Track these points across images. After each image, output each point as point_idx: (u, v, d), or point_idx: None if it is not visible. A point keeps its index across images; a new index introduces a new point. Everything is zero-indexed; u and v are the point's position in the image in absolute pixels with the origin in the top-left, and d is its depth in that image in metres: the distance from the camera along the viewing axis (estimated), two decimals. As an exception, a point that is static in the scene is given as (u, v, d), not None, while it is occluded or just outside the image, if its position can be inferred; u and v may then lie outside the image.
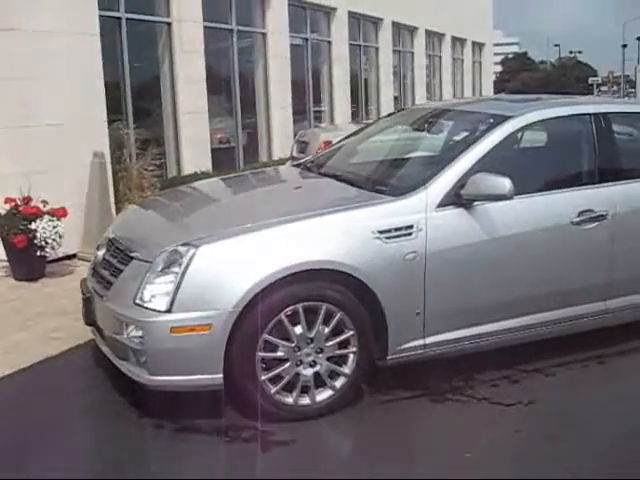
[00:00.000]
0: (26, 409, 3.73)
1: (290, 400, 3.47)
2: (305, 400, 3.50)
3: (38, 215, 5.94)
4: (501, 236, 3.75)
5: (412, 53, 18.02)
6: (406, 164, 4.40)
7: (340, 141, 5.12)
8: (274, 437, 3.35)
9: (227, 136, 11.17)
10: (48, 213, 6.02)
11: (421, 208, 3.61)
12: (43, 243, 5.88)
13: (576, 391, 3.90)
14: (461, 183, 3.68)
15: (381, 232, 3.49)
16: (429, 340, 3.69)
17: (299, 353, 3.44)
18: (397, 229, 3.53)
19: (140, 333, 3.33)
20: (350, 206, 3.61)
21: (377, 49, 15.86)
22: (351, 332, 3.49)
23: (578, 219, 3.93)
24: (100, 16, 7.71)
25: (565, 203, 3.97)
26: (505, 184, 3.57)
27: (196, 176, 8.67)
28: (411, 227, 3.56)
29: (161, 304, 3.29)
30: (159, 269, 3.37)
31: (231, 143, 11.23)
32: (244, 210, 3.87)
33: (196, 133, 9.66)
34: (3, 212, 6.03)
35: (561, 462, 3.16)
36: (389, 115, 5.58)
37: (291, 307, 3.36)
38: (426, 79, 18.82)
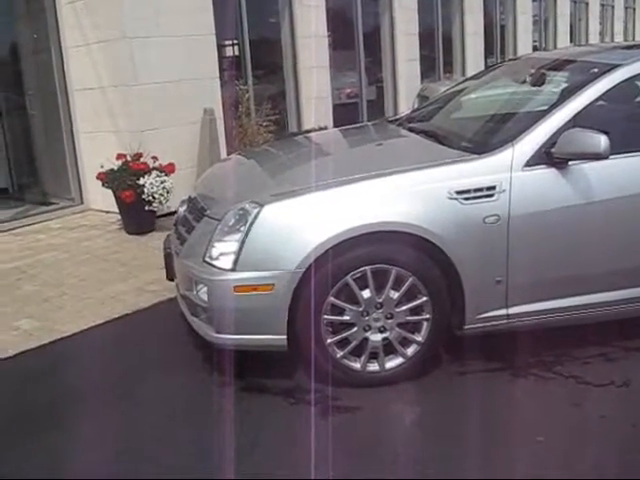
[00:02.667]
0: (101, 360, 3.88)
1: (358, 365, 3.36)
2: (374, 366, 3.38)
3: (146, 171, 6.12)
4: (597, 200, 3.37)
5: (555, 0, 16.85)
6: (498, 119, 4.04)
7: (439, 96, 4.84)
8: (338, 402, 3.26)
9: (350, 91, 10.99)
10: (156, 169, 6.19)
11: (506, 167, 3.32)
12: (151, 198, 6.06)
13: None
14: (554, 140, 3.34)
15: (459, 192, 3.25)
16: (512, 310, 3.42)
17: (367, 318, 3.30)
18: (477, 190, 3.26)
19: (206, 290, 3.32)
20: (426, 165, 3.37)
21: (515, -4, 14.95)
22: (424, 298, 3.30)
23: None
24: (217, -29, 7.77)
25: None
26: (600, 141, 3.18)
27: (314, 131, 8.60)
28: (493, 188, 3.28)
29: (226, 262, 3.25)
30: (227, 227, 3.33)
31: (355, 98, 11.04)
32: (319, 167, 3.72)
33: (317, 88, 9.54)
34: (116, 168, 6.26)
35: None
36: (494, 66, 5.20)
37: (358, 270, 3.21)
38: (570, 28, 17.54)
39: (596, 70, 3.65)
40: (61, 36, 7.13)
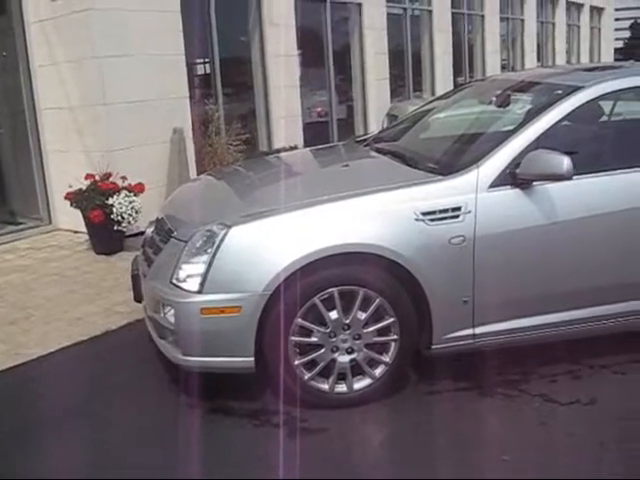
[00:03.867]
0: (69, 382, 3.84)
1: (326, 387, 3.35)
2: (342, 387, 3.37)
3: (115, 190, 6.09)
4: (561, 220, 3.42)
5: (522, 20, 17.14)
6: (464, 140, 4.10)
7: (406, 116, 4.88)
8: (305, 424, 3.25)
9: (320, 110, 11.05)
10: (125, 188, 6.16)
11: (471, 188, 3.35)
12: (119, 218, 6.02)
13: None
14: (518, 161, 3.38)
15: (424, 214, 3.27)
16: (479, 330, 3.45)
17: (335, 339, 3.30)
18: (442, 211, 3.30)
19: (173, 313, 3.30)
20: (392, 186, 3.40)
21: (483, 17, 15.17)
22: (392, 319, 3.31)
23: (653, 202, 3.54)
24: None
25: (636, 184, 3.58)
26: (563, 162, 3.24)
27: (284, 151, 8.62)
28: (459, 209, 3.31)
29: (193, 284, 3.24)
30: (194, 249, 3.32)
31: (325, 117, 11.11)
32: (286, 189, 3.74)
33: (287, 107, 9.58)
34: (84, 188, 6.22)
35: (610, 474, 2.86)
36: (460, 87, 5.27)
37: (326, 291, 3.22)
38: (537, 47, 17.86)
39: (559, 92, 3.72)
40: (29, 55, 7.09)
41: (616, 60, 29.12)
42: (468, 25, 14.88)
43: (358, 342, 3.33)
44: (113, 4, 6.45)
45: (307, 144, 9.61)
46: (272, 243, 3.21)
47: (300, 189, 3.70)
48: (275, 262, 3.15)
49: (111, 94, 6.54)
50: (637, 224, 3.56)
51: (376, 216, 3.28)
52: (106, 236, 6.13)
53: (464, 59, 14.77)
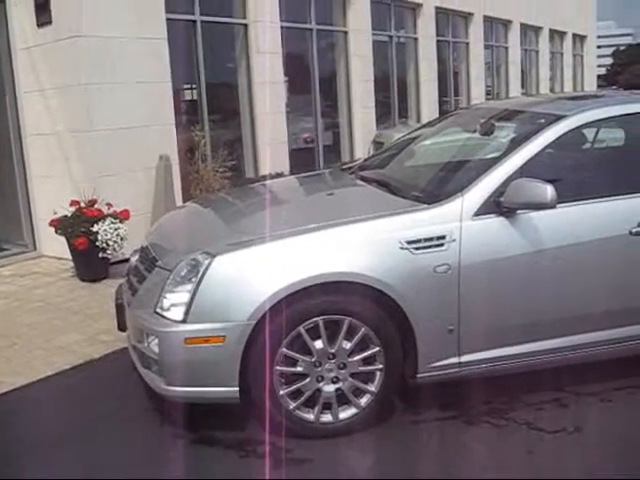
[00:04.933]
0: (49, 412, 3.79)
1: (311, 417, 3.33)
2: (328, 417, 3.35)
3: (100, 217, 6.06)
4: (546, 248, 3.44)
5: (506, 48, 17.35)
6: (449, 169, 4.14)
7: (392, 144, 4.91)
8: (290, 454, 3.22)
9: (307, 136, 11.10)
10: (111, 215, 6.13)
11: (455, 217, 3.37)
12: (104, 245, 5.99)
13: (632, 419, 3.54)
14: (502, 190, 3.41)
15: (409, 242, 3.28)
16: (465, 358, 3.44)
17: (320, 369, 3.28)
18: (427, 239, 3.30)
19: (157, 342, 3.27)
20: (377, 215, 3.41)
21: (467, 44, 15.36)
22: (377, 348, 3.30)
23: (638, 229, 3.57)
24: (175, 20, 7.87)
25: (623, 211, 3.61)
26: (546, 191, 3.27)
27: (270, 177, 8.63)
28: (443, 237, 3.32)
29: (177, 314, 3.22)
30: (178, 278, 3.30)
31: (312, 143, 11.15)
32: (271, 218, 3.73)
33: (273, 134, 9.61)
34: (69, 214, 6.19)
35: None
36: (445, 115, 5.31)
37: (310, 320, 3.20)
38: (521, 74, 18.08)
39: (542, 121, 3.76)
40: (16, 81, 7.08)
41: (599, 87, 29.57)
42: (453, 52, 15.03)
43: (343, 371, 3.31)
44: (99, 32, 6.48)
45: (293, 170, 9.64)
46: (256, 272, 3.20)
47: (285, 218, 3.70)
48: (259, 291, 3.13)
49: (97, 121, 6.55)
50: (621, 251, 3.59)
51: (361, 245, 3.28)
52: (91, 263, 6.09)
53: (449, 86, 14.91)
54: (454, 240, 3.33)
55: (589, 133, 4.16)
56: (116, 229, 6.04)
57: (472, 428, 3.45)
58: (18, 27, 6.92)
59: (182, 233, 4.02)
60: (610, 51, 68.45)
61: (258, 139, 9.52)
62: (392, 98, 12.96)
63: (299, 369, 3.27)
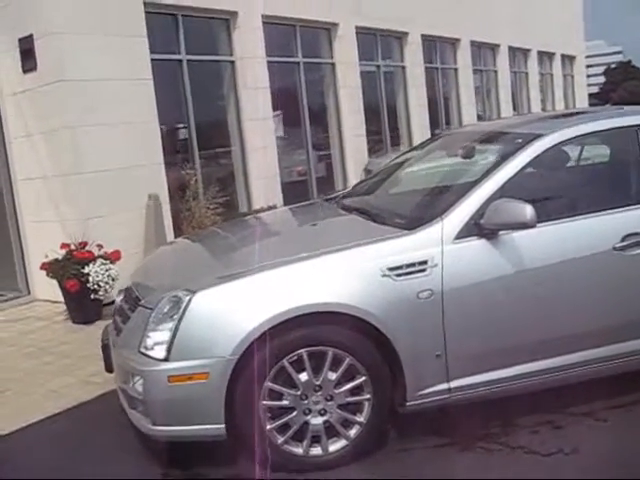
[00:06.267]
0: (38, 456, 3.77)
1: (300, 450, 3.28)
2: (317, 450, 3.30)
3: (91, 259, 6.05)
4: (530, 268, 3.42)
5: (495, 71, 17.48)
6: (429, 194, 4.14)
7: (374, 173, 4.92)
8: (281, 489, 3.17)
9: (299, 169, 11.14)
10: (101, 257, 6.13)
11: (436, 241, 3.35)
12: (96, 287, 5.98)
13: (629, 439, 3.46)
14: (482, 211, 3.40)
15: (391, 269, 3.26)
16: (454, 384, 3.40)
17: (306, 401, 3.25)
18: (409, 265, 3.28)
19: (142, 382, 3.24)
20: (357, 243, 3.39)
21: (456, 70, 15.47)
22: (363, 378, 3.26)
23: (621, 244, 3.55)
24: (161, 60, 7.94)
25: (606, 227, 3.59)
26: (526, 211, 3.25)
27: (262, 211, 8.64)
28: (425, 262, 3.30)
29: (160, 352, 3.19)
30: (160, 315, 3.28)
31: (304, 176, 11.19)
32: (254, 251, 3.72)
33: (265, 168, 9.66)
34: (60, 258, 6.19)
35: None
36: (428, 141, 5.33)
37: (294, 353, 3.17)
38: (512, 97, 18.19)
39: (520, 141, 3.76)
40: (4, 127, 7.14)
41: (592, 105, 29.71)
42: (442, 78, 15.14)
43: (330, 403, 3.27)
44: (82, 75, 6.54)
45: (287, 203, 9.64)
46: (237, 307, 3.18)
47: (268, 250, 3.67)
48: (241, 326, 3.11)
49: (84, 163, 6.58)
50: (606, 268, 3.57)
51: (342, 274, 3.26)
52: (83, 305, 6.07)
53: (440, 112, 14.99)
54: (436, 265, 3.30)
55: (572, 150, 4.16)
56: (107, 270, 6.03)
57: (465, 455, 3.38)
58: (5, 74, 7.00)
59: (166, 270, 4.01)
60: (602, 70, 69.09)
61: (250, 174, 9.57)
62: (383, 126, 13.04)
63: (285, 403, 3.23)
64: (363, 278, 3.25)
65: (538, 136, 3.68)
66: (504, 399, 3.59)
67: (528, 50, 19.21)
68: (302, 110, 10.90)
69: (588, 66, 37.35)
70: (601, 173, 4.04)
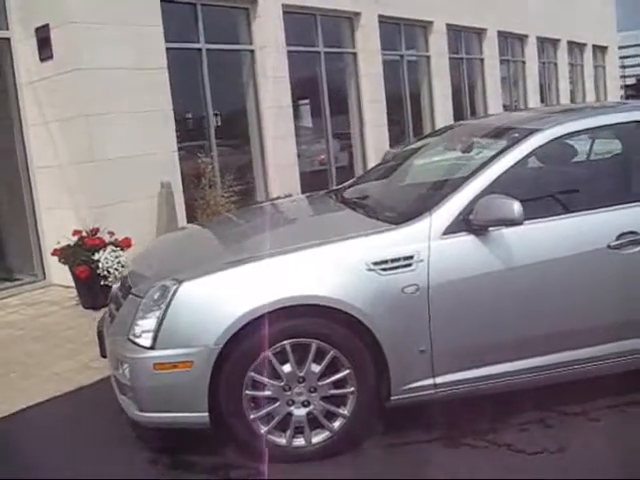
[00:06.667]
0: (31, 437, 3.86)
1: (283, 441, 3.31)
2: (300, 441, 3.33)
3: (101, 246, 6.14)
4: (519, 265, 3.39)
5: (523, 62, 17.25)
6: (421, 188, 4.12)
7: (377, 165, 4.92)
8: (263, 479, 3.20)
9: (320, 158, 11.13)
10: (112, 243, 6.21)
11: (423, 236, 3.34)
12: (105, 273, 6.07)
13: (619, 439, 3.43)
14: (471, 207, 3.38)
15: (376, 264, 3.26)
16: (440, 380, 3.39)
17: (289, 392, 3.27)
18: (394, 260, 3.28)
19: (129, 369, 3.30)
20: (344, 237, 3.39)
21: (482, 60, 15.29)
22: (347, 371, 3.27)
23: (617, 242, 3.50)
24: (180, 49, 8.01)
25: (600, 225, 3.55)
26: (513, 207, 3.23)
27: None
28: (411, 257, 3.29)
29: (146, 340, 3.24)
30: (149, 304, 3.33)
31: (324, 165, 11.18)
32: (241, 243, 3.76)
33: (283, 157, 9.67)
34: (71, 244, 6.29)
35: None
36: (433, 133, 5.30)
37: (278, 344, 3.20)
38: (540, 88, 17.93)
39: (517, 135, 3.72)
40: (22, 115, 7.26)
41: (629, 97, 29.07)
42: (467, 69, 14.98)
43: (314, 395, 3.29)
44: (99, 64, 6.63)
45: (306, 192, 9.63)
46: (222, 297, 3.21)
47: (258, 242, 3.70)
48: (225, 316, 3.15)
49: (99, 151, 6.67)
50: (600, 266, 3.53)
51: (327, 267, 3.28)
52: (93, 291, 6.17)
53: (465, 102, 14.84)
54: (422, 260, 3.30)
55: (571, 146, 4.11)
56: (117, 257, 6.11)
57: (450, 452, 3.38)
58: (23, 63, 7.10)
59: (162, 259, 4.06)
60: (639, 61, 67.56)
61: (268, 163, 9.58)
62: (406, 116, 12.95)
63: (268, 393, 3.26)
64: (349, 272, 3.26)
65: (535, 131, 3.65)
66: (495, 396, 3.57)
67: (557, 40, 18.90)
68: (322, 99, 10.87)
69: (624, 57, 36.53)
70: (599, 170, 3.98)
